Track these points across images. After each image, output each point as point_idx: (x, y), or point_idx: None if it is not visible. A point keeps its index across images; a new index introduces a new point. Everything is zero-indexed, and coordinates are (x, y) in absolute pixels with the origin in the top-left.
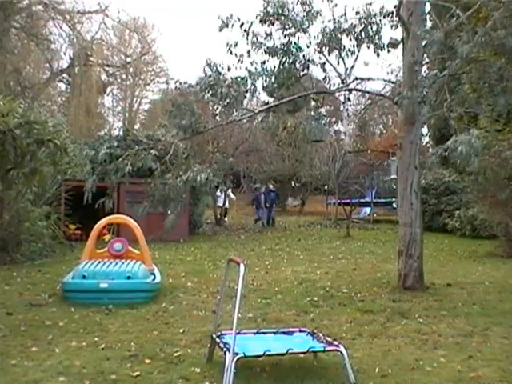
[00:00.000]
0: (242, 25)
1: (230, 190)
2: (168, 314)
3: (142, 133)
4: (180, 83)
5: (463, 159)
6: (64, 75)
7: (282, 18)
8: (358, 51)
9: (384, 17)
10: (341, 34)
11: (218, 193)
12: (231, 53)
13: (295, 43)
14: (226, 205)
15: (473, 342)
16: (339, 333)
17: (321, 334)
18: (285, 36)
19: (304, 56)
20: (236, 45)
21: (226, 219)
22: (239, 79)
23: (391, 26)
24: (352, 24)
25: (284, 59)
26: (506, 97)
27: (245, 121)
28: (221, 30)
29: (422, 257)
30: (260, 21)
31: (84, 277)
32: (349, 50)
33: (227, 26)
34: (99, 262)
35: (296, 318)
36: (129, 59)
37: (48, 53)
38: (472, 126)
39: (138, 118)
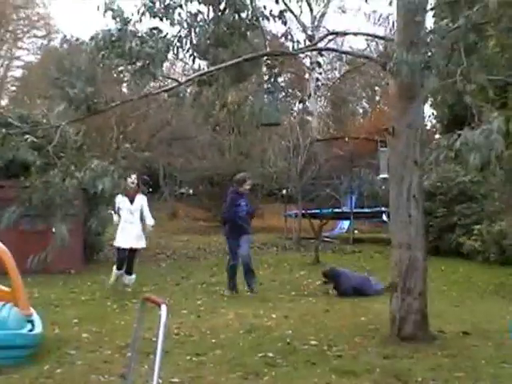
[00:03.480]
0: None
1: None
2: (54, 382)
3: (13, 111)
4: (69, 39)
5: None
6: None
7: None
8: None
9: None
10: None
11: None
12: None
13: None
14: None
15: None
16: None
17: None
18: None
19: (253, 2)
20: None
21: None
22: (156, 32)
23: None
24: None
25: (224, 7)
26: None
27: (166, 95)
28: None
29: (425, 293)
30: None
31: None
32: None
33: None
34: None
35: (243, 382)
36: None
37: None
38: (497, 105)
39: (6, 89)
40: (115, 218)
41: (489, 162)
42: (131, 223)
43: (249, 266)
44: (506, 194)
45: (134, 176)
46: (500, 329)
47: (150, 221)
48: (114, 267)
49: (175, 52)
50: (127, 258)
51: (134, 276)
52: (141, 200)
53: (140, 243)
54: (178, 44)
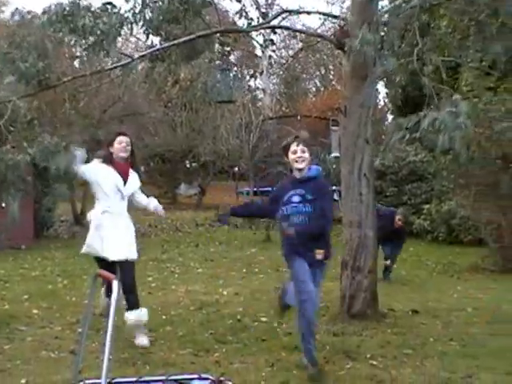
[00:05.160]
0: None
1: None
2: (3, 357)
3: None
4: (20, 11)
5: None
6: None
7: None
8: None
9: None
10: None
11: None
12: None
13: None
14: None
15: None
16: (257, 380)
17: (230, 383)
18: None
19: None
20: None
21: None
22: (110, 7)
23: None
24: None
25: None
26: (502, 41)
27: (118, 71)
28: None
29: (375, 271)
30: None
31: None
32: None
33: None
34: None
35: (193, 359)
36: None
37: None
38: (450, 84)
39: None
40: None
41: (454, 142)
42: (119, 215)
43: None
44: (454, 176)
45: (122, 138)
46: (448, 307)
47: (156, 204)
48: (102, 291)
49: (129, 28)
50: (121, 279)
51: (144, 310)
52: (135, 179)
53: (133, 250)
54: (132, 20)
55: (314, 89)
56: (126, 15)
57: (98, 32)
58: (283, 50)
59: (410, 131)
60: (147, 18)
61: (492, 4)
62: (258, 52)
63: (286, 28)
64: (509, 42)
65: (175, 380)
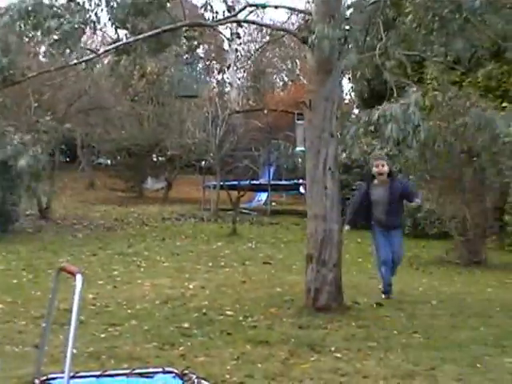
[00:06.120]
0: None
1: None
2: None
3: None
4: None
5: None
6: None
7: None
8: None
9: None
10: None
11: None
12: None
13: None
14: None
15: None
16: (221, 374)
17: (194, 376)
18: None
19: None
20: None
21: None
22: (74, 5)
23: None
24: None
25: None
26: (465, 38)
27: (84, 65)
28: None
29: (340, 264)
30: None
31: None
32: None
33: None
34: None
35: (158, 353)
36: None
37: None
38: (414, 79)
39: None
40: None
41: (407, 134)
42: None
43: None
44: (420, 170)
45: None
46: (413, 300)
47: None
48: None
49: (91, 27)
50: None
51: None
52: None
53: None
54: (95, 19)
55: (281, 83)
56: (88, 15)
57: (63, 32)
58: (251, 44)
59: (366, 124)
60: (113, 11)
61: (455, 0)
62: (226, 46)
63: (251, 22)
64: (471, 38)
65: (139, 374)
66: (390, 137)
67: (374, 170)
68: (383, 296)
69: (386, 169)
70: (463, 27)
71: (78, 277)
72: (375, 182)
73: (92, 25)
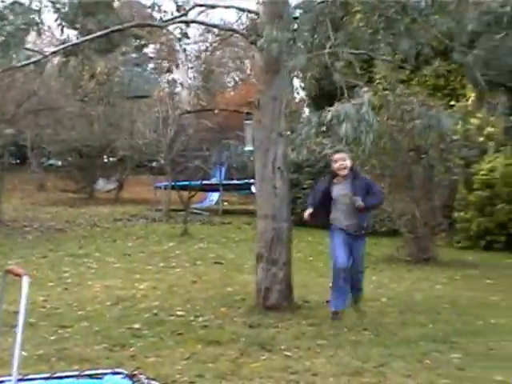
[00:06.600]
0: None
1: None
2: None
3: None
4: None
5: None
6: None
7: None
8: None
9: None
10: None
11: None
12: None
13: None
14: None
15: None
16: (172, 374)
17: (144, 377)
18: None
19: None
20: None
21: None
22: (18, 6)
23: None
24: None
25: None
26: (411, 38)
27: (32, 66)
28: None
29: (290, 263)
30: None
31: None
32: None
33: None
34: None
35: (109, 354)
36: None
37: None
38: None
39: None
40: None
41: (361, 134)
42: None
43: None
44: (369, 167)
45: None
46: (363, 297)
47: None
48: None
49: (34, 29)
50: None
51: None
52: None
53: None
54: (38, 20)
55: (232, 83)
56: (31, 16)
57: (6, 34)
58: (201, 44)
59: (318, 125)
60: (60, 12)
61: (400, 0)
62: (176, 46)
63: (199, 23)
64: (417, 37)
65: (88, 375)
66: (344, 136)
67: (334, 165)
68: (331, 311)
69: (347, 163)
70: (409, 27)
71: (25, 279)
72: (335, 180)
73: (35, 26)
